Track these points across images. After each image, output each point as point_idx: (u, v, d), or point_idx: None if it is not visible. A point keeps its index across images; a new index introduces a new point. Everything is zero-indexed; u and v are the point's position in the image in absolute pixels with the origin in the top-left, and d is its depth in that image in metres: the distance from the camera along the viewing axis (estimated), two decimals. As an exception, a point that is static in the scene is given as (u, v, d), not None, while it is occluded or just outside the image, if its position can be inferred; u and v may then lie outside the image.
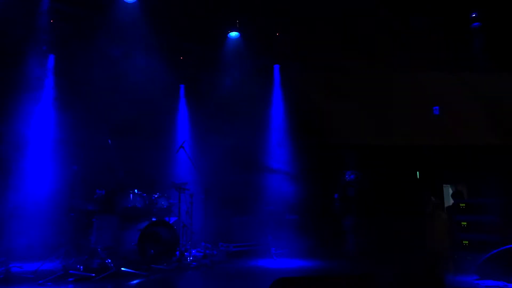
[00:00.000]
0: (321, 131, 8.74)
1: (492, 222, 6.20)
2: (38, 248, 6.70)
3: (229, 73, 8.84)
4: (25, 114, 7.12)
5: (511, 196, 6.44)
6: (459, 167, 8.25)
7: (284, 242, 7.72)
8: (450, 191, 8.30)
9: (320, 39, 8.10)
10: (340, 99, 8.74)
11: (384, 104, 8.63)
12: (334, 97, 8.79)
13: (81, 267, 5.62)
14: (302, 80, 9.02)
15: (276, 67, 9.57)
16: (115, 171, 6.70)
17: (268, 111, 9.41)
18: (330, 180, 7.68)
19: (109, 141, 6.64)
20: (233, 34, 8.59)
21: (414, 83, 8.75)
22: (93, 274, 5.41)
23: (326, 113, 8.85)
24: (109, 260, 5.70)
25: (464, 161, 8.22)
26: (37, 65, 7.29)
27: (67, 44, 7.48)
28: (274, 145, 9.23)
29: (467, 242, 6.36)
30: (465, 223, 6.47)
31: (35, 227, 6.81)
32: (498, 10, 7.79)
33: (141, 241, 6.09)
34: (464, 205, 6.62)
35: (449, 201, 7.94)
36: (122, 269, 5.63)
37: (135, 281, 5.48)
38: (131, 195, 6.63)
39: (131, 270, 5.69)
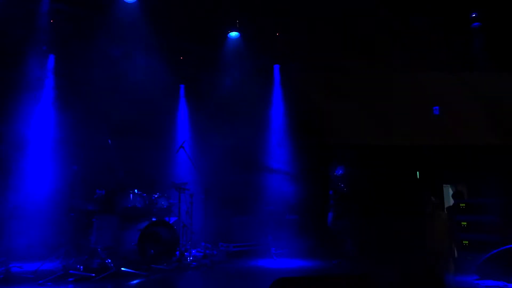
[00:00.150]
0: (321, 131, 8.74)
1: (492, 222, 6.20)
2: (38, 248, 6.71)
3: (229, 73, 8.84)
4: (25, 114, 7.13)
5: (511, 196, 6.44)
6: (459, 167, 8.24)
7: (284, 242, 7.72)
8: (450, 191, 8.30)
9: (320, 39, 8.10)
10: (340, 99, 8.73)
11: (384, 104, 8.63)
12: (334, 97, 8.79)
13: (81, 267, 5.61)
14: (302, 80, 9.01)
15: (276, 67, 9.57)
16: (115, 171, 6.70)
17: (268, 111, 9.42)
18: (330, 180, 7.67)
19: (109, 141, 6.64)
20: (233, 34, 8.59)
21: (414, 83, 8.74)
22: (93, 274, 5.41)
23: (326, 113, 8.84)
24: (109, 260, 5.70)
25: (464, 161, 8.21)
26: (37, 65, 7.30)
27: (67, 44, 7.48)
28: (274, 145, 9.24)
29: (467, 242, 6.36)
30: (465, 223, 6.47)
31: (35, 227, 6.81)
32: (498, 10, 7.79)
33: (141, 241, 6.10)
34: (464, 205, 6.62)
35: (449, 201, 7.93)
36: (122, 269, 5.64)
37: (135, 281, 5.48)
38: (131, 195, 6.64)
39: (131, 270, 5.69)
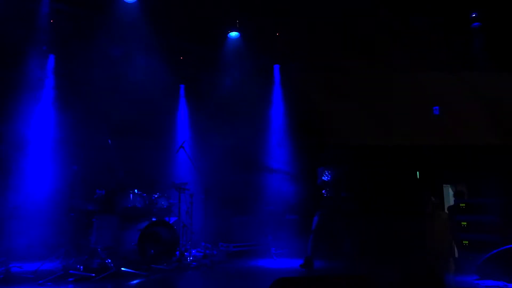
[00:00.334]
0: (321, 131, 8.74)
1: (492, 222, 6.20)
2: (38, 248, 6.71)
3: (229, 73, 8.85)
4: (25, 114, 7.13)
5: (511, 196, 6.43)
6: (459, 167, 8.24)
7: (284, 242, 7.72)
8: (450, 191, 8.29)
9: (320, 39, 8.10)
10: (340, 99, 8.73)
11: (384, 104, 8.62)
12: (334, 97, 8.78)
13: (81, 267, 5.61)
14: (302, 80, 9.01)
15: (276, 67, 9.57)
16: (115, 171, 6.71)
17: (268, 111, 9.42)
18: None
19: (109, 141, 6.65)
20: (233, 34, 8.59)
21: (414, 83, 8.74)
22: (93, 274, 5.40)
23: (326, 113, 8.84)
24: (109, 260, 5.70)
25: (464, 161, 8.21)
26: (37, 65, 7.30)
27: (67, 44, 7.48)
28: (274, 145, 9.24)
29: (467, 242, 6.36)
30: (465, 223, 6.46)
31: (35, 227, 6.82)
32: (498, 10, 7.79)
33: (141, 241, 6.09)
34: (464, 205, 6.62)
35: (449, 201, 7.93)
36: (122, 269, 5.63)
37: (135, 281, 5.48)
38: (131, 195, 6.64)
39: (131, 270, 5.69)
